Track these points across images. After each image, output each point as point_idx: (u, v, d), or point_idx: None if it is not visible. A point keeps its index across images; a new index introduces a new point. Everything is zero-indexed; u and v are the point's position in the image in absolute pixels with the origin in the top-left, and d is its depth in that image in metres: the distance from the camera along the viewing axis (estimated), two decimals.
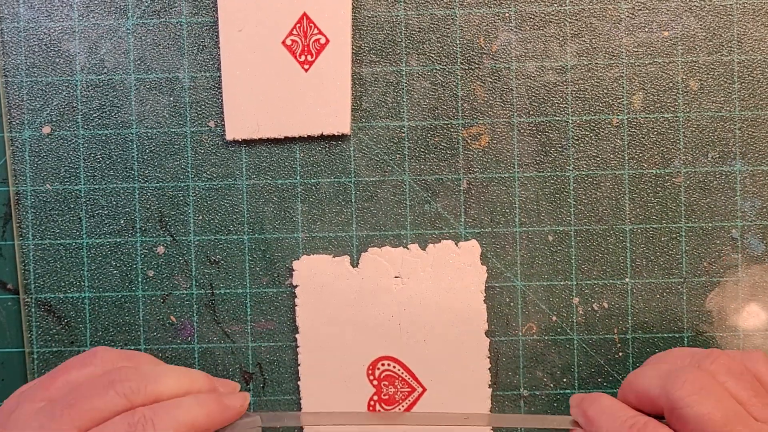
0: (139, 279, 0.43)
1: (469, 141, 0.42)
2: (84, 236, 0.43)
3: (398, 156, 0.42)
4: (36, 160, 0.43)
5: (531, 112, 0.42)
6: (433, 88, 0.42)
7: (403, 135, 0.42)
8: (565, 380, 0.42)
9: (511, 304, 0.42)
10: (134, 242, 0.43)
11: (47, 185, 0.43)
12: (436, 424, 0.40)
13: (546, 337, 0.42)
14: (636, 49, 0.42)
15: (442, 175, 0.42)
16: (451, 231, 0.42)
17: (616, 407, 0.35)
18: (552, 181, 0.42)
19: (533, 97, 0.42)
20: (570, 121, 0.42)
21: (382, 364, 0.42)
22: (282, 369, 0.43)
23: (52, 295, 0.43)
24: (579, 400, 0.37)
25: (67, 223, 0.43)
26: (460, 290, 0.42)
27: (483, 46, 0.42)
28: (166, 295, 0.43)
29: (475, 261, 0.42)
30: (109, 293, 0.43)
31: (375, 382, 0.42)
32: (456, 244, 0.42)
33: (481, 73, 0.42)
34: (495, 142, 0.42)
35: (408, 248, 0.42)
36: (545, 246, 0.42)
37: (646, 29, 0.42)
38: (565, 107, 0.42)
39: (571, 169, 0.42)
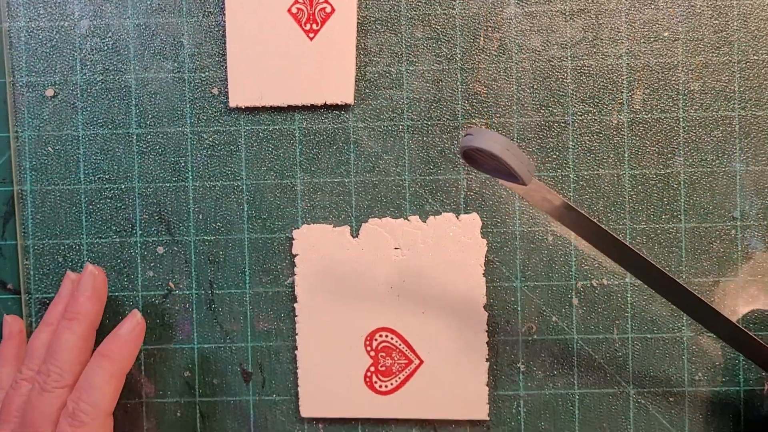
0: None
1: None
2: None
3: (400, 127, 0.42)
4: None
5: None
6: (437, 60, 0.42)
7: (405, 106, 0.42)
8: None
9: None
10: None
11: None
12: None
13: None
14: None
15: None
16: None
17: None
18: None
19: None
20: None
21: (380, 335, 0.42)
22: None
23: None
24: None
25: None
26: (460, 263, 0.41)
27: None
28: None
29: (475, 234, 0.42)
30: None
31: (372, 353, 0.42)
32: (456, 216, 0.42)
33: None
34: None
35: (408, 220, 0.42)
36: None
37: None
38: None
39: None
